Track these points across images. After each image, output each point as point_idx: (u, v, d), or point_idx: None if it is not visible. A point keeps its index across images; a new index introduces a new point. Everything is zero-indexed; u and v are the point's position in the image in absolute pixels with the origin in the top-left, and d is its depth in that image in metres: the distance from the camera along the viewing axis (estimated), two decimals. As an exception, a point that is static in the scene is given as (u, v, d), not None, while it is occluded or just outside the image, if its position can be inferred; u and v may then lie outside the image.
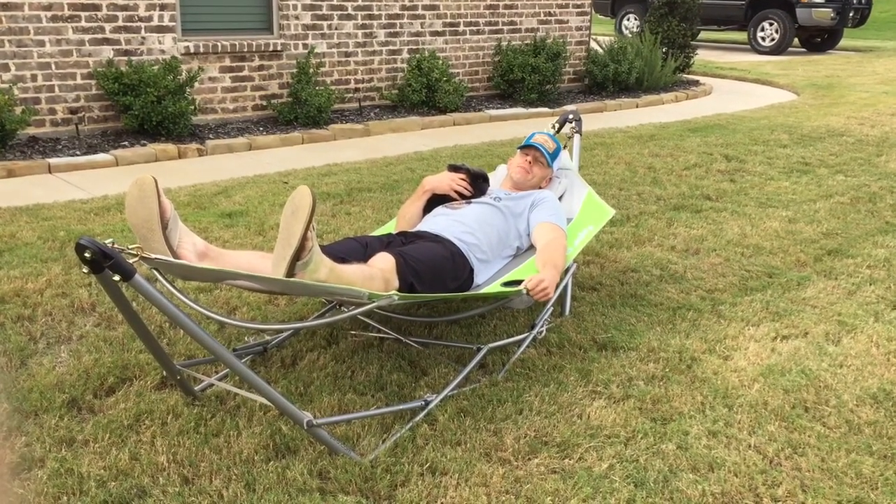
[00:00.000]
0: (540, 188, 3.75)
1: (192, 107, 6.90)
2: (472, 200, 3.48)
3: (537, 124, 8.33)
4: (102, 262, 2.02)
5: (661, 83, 10.92)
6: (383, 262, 2.78)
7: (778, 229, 4.94)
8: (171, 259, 2.38)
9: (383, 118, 8.07)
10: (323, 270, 2.38)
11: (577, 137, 4.13)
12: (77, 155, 6.14)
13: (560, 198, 3.84)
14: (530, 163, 3.65)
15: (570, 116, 4.17)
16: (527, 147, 3.68)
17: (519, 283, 3.08)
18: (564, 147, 4.10)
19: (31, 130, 6.60)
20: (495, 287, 3.10)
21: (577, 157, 4.06)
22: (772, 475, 2.51)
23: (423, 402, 2.79)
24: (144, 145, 6.51)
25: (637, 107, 9.93)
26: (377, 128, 7.69)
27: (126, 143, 6.57)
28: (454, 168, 3.57)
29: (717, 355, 3.32)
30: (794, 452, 2.64)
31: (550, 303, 3.44)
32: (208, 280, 2.39)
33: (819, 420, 2.85)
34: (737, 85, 12.29)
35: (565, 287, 3.68)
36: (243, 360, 3.09)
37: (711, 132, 8.02)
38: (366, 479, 2.40)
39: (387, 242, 3.17)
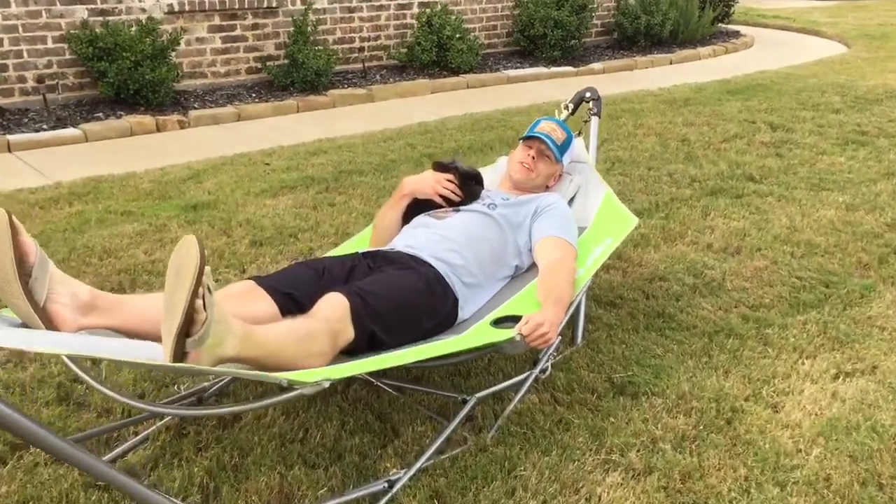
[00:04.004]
0: (547, 188, 3.07)
1: (175, 73, 6.24)
2: (462, 207, 2.82)
3: (559, 86, 7.57)
4: None
5: (698, 35, 10.04)
6: (331, 308, 2.14)
7: (834, 219, 4.21)
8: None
9: (389, 81, 7.35)
10: (231, 343, 1.75)
11: (594, 121, 3.42)
12: (43, 129, 5.53)
13: (571, 200, 3.15)
14: (534, 158, 2.97)
15: (588, 95, 3.46)
16: (530, 138, 3.00)
17: (512, 321, 2.43)
18: (579, 134, 3.40)
19: (0, 101, 6.00)
20: (483, 328, 2.45)
21: (595, 147, 3.35)
22: None
23: (385, 485, 2.18)
24: (120, 117, 5.89)
25: (671, 63, 9.09)
26: (381, 93, 6.99)
27: (101, 114, 5.95)
28: (441, 167, 2.90)
29: (765, 403, 2.66)
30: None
31: (558, 330, 2.79)
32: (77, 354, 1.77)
33: (901, 512, 2.20)
34: (781, 35, 11.34)
35: (577, 306, 3.03)
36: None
37: (754, 94, 7.21)
38: None
39: (349, 267, 2.53)
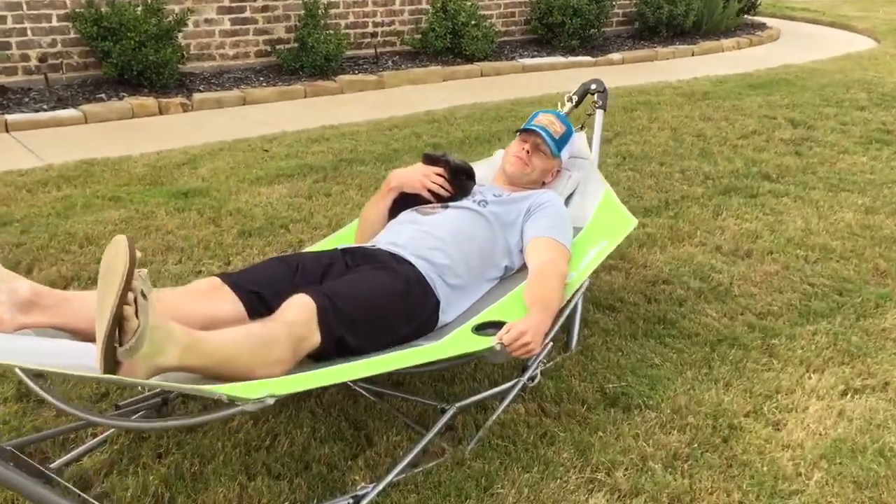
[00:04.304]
0: (543, 184, 2.91)
1: (180, 54, 6.11)
2: (451, 203, 2.66)
3: (576, 76, 7.36)
4: None
5: (722, 27, 9.77)
6: (296, 311, 1.99)
7: (851, 223, 4.01)
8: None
9: (401, 67, 7.19)
10: (172, 352, 1.61)
11: (599, 115, 3.24)
12: (43, 110, 5.43)
13: (569, 197, 2.99)
14: (528, 152, 2.81)
15: (593, 87, 3.29)
16: (526, 131, 2.83)
17: (495, 327, 2.27)
18: (582, 128, 3.23)
19: (2, 80, 5.90)
20: (463, 334, 2.29)
21: (598, 143, 3.18)
22: None
23: (350, 501, 2.05)
24: (122, 98, 5.77)
25: (693, 55, 8.85)
26: (392, 79, 6.83)
27: (103, 95, 5.84)
28: (430, 159, 2.75)
29: (766, 420, 2.49)
30: None
31: (548, 338, 2.64)
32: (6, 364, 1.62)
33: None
34: (809, 28, 11.04)
35: (574, 309, 2.87)
36: (136, 417, 2.37)
37: (776, 89, 6.97)
38: None
39: (326, 264, 2.39)
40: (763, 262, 3.57)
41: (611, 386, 2.64)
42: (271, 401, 1.56)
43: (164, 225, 3.59)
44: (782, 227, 3.94)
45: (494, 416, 2.44)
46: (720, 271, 3.47)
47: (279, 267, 2.34)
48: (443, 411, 2.35)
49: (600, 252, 2.66)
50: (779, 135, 5.50)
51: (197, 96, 5.92)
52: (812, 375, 2.73)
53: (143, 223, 3.59)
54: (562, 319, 2.73)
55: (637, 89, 6.77)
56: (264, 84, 6.44)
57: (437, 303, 2.38)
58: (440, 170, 2.70)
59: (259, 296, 2.19)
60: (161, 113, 5.68)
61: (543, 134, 2.79)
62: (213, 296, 2.14)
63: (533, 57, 7.96)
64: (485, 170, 3.06)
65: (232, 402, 1.53)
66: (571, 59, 7.99)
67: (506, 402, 2.49)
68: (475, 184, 2.73)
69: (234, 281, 2.20)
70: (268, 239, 3.53)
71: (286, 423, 2.39)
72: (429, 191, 2.69)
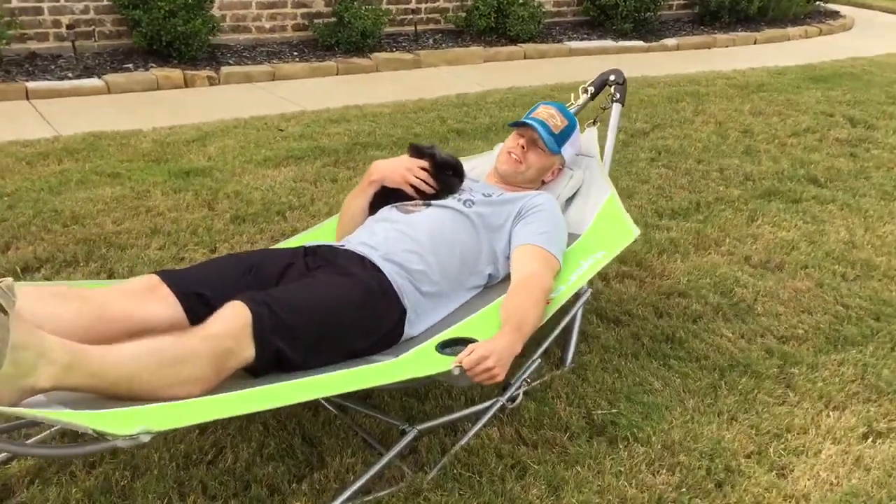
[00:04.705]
0: (543, 183, 2.65)
1: (211, 25, 5.95)
2: (434, 202, 2.42)
3: (625, 62, 7.01)
4: None
5: (791, 14, 9.24)
6: (225, 322, 1.79)
7: (902, 237, 3.65)
8: None
9: (441, 47, 6.93)
10: (46, 372, 1.43)
11: (615, 109, 2.95)
12: (68, 78, 5.34)
13: (570, 200, 2.72)
14: (523, 148, 2.55)
15: (612, 78, 2.99)
16: (521, 125, 2.57)
17: (464, 345, 2.04)
18: (594, 123, 2.95)
19: (34, 45, 5.83)
20: (425, 353, 2.06)
21: (613, 141, 2.89)
22: None
23: (281, 533, 1.85)
24: (149, 69, 5.64)
25: (755, 43, 8.38)
26: (430, 58, 6.58)
27: (131, 65, 5.73)
28: (417, 151, 2.51)
29: (769, 464, 2.21)
30: None
31: (541, 350, 2.40)
32: None
33: None
34: (887, 18, 10.41)
35: (571, 321, 2.61)
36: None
37: (838, 83, 6.51)
38: None
39: (284, 265, 2.18)
40: (795, 277, 3.25)
41: (600, 412, 2.38)
42: (146, 438, 1.35)
43: (157, 206, 3.43)
44: (823, 238, 3.60)
45: (462, 442, 2.22)
46: (744, 285, 3.16)
47: (230, 265, 2.14)
48: (403, 432, 2.13)
49: (594, 264, 2.39)
50: (834, 134, 5.10)
51: (225, 70, 5.76)
52: (831, 413, 2.43)
53: (135, 203, 3.44)
54: (556, 332, 2.48)
55: (687, 78, 6.40)
56: (297, 59, 6.26)
57: (404, 313, 2.15)
58: (425, 163, 2.46)
59: (202, 298, 1.99)
60: (186, 86, 5.54)
61: (540, 129, 2.52)
62: (147, 297, 1.95)
63: (582, 40, 7.61)
64: (482, 164, 2.81)
65: (96, 435, 1.33)
66: (623, 43, 7.62)
67: (478, 426, 2.26)
68: (462, 181, 2.48)
69: (174, 280, 2.00)
70: (260, 226, 3.34)
71: (234, 435, 2.20)
72: (411, 186, 2.45)
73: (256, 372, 1.86)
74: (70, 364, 1.47)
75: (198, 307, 1.96)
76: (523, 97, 5.58)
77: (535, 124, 2.52)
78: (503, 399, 2.32)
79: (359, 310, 2.04)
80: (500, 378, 1.96)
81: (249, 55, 6.25)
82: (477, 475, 2.11)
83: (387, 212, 2.43)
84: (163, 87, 5.45)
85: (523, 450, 2.22)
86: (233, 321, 1.80)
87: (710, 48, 8.01)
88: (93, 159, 3.91)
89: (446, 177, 2.47)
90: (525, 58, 7.03)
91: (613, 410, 2.40)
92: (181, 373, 1.64)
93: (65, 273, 2.86)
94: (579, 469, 2.14)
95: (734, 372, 2.61)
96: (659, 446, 2.25)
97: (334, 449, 2.18)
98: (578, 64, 6.91)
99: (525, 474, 2.12)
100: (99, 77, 5.39)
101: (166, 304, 1.96)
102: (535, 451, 2.22)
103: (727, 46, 8.13)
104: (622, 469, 2.16)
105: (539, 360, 2.42)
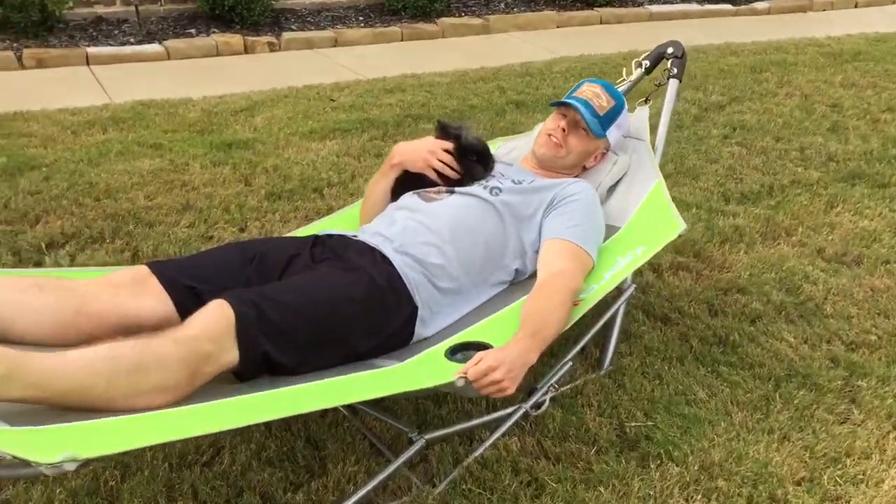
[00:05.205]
0: (584, 168, 2.41)
1: (273, -12, 5.84)
2: (457, 189, 2.22)
3: (710, 27, 6.59)
4: None
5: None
6: (204, 322, 1.64)
7: None
8: None
9: (512, 11, 6.64)
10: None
11: (672, 86, 2.67)
12: (130, 44, 5.31)
13: (613, 188, 2.47)
14: (564, 130, 2.31)
15: (669, 51, 2.71)
16: (563, 105, 2.33)
17: (476, 350, 1.86)
18: (647, 101, 2.68)
19: (100, 10, 5.83)
20: (432, 358, 1.88)
21: (667, 122, 2.60)
22: None
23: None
24: (210, 35, 5.57)
25: (856, 6, 7.79)
26: (499, 24, 6.31)
27: (193, 30, 5.67)
28: (444, 131, 2.31)
29: (822, 494, 1.96)
30: None
31: (575, 351, 2.19)
32: None
33: None
34: None
35: (612, 319, 2.39)
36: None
37: (947, 52, 5.96)
38: None
39: (290, 256, 2.02)
40: (873, 274, 2.93)
41: (633, 424, 2.17)
42: (72, 466, 1.22)
43: (193, 180, 3.33)
44: (910, 230, 3.25)
45: (477, 453, 2.04)
46: (814, 281, 2.86)
47: (231, 255, 2.00)
48: (411, 441, 1.97)
49: (633, 261, 2.15)
50: (935, 109, 4.64)
51: (286, 36, 5.64)
52: (899, 437, 2.16)
53: (171, 176, 3.35)
54: (594, 330, 2.27)
55: (774, 46, 5.95)
56: (362, 24, 6.09)
57: (415, 311, 1.97)
58: (449, 146, 2.25)
59: (193, 291, 1.86)
60: (246, 52, 5.45)
61: (583, 109, 2.28)
62: (134, 289, 1.82)
63: (664, 3, 7.19)
64: (521, 146, 2.59)
65: (15, 460, 1.20)
66: (709, 6, 7.17)
67: (496, 435, 2.08)
68: (487, 168, 2.27)
69: (168, 271, 1.87)
70: (296, 203, 3.21)
71: (234, 436, 2.07)
72: (434, 170, 2.26)
73: (242, 376, 1.72)
74: (8, 374, 1.35)
75: (188, 301, 1.83)
76: (593, 66, 5.28)
77: (578, 104, 2.28)
78: (527, 406, 2.12)
79: (361, 307, 1.87)
80: (510, 392, 1.77)
81: (313, 20, 6.12)
82: (488, 492, 1.93)
83: (408, 199, 2.24)
84: (222, 54, 5.37)
85: (543, 464, 2.02)
86: (214, 322, 1.65)
87: (805, 12, 7.47)
88: (137, 129, 3.84)
89: (470, 162, 2.26)
90: (601, 23, 6.69)
91: (649, 423, 2.17)
92: (144, 381, 1.50)
93: (89, 250, 2.79)
94: (602, 490, 1.94)
95: (791, 383, 2.35)
96: (696, 467, 2.02)
97: (338, 455, 2.04)
98: (657, 29, 6.52)
99: (542, 494, 1.93)
100: (160, 43, 5.34)
101: (155, 298, 1.83)
102: (556, 466, 2.02)
103: (825, 10, 7.58)
104: (651, 493, 1.94)
105: (570, 362, 2.21)
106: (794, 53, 5.74)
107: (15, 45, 5.05)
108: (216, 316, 1.66)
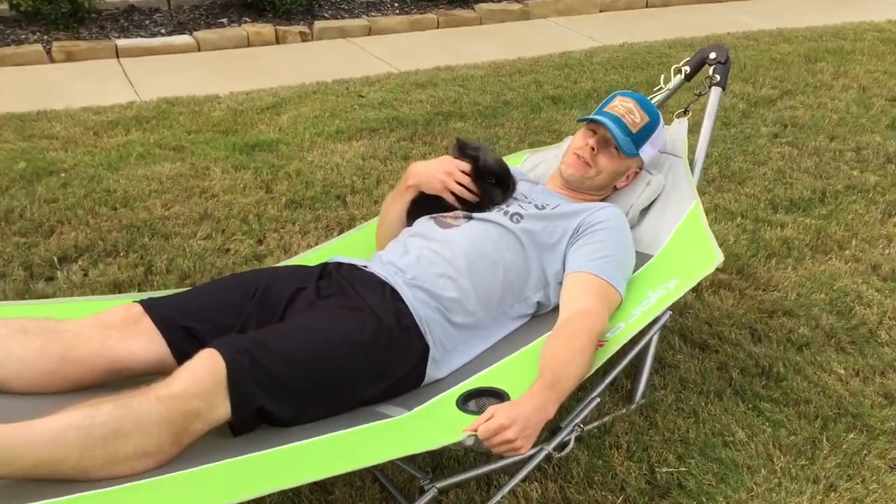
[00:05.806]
0: (615, 189, 2.23)
1: (307, -24, 5.69)
2: (476, 214, 2.06)
3: (756, 10, 6.28)
4: None
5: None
6: (193, 377, 1.52)
7: None
8: None
9: (555, -5, 6.40)
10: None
11: (714, 94, 2.46)
12: (161, 34, 5.22)
13: (646, 210, 2.28)
14: (594, 149, 2.14)
15: (712, 56, 2.50)
16: (593, 121, 2.16)
17: (490, 398, 1.72)
18: (685, 113, 2.48)
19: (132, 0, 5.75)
20: (441, 408, 1.74)
21: (709, 135, 2.40)
22: None
23: None
24: (241, 24, 5.45)
25: (920, -15, 7.35)
26: (539, 9, 6.08)
27: (225, 19, 5.55)
28: (461, 151, 2.15)
29: (871, 557, 1.78)
30: None
31: (603, 385, 2.03)
32: None
33: None
34: None
35: (645, 349, 2.22)
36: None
37: None
38: None
39: (295, 290, 1.89)
40: (935, 295, 2.71)
41: (665, 470, 2.01)
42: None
43: (212, 187, 3.22)
44: (976, 243, 3.01)
45: (493, 501, 1.90)
46: (868, 303, 2.66)
47: (230, 290, 1.87)
48: (422, 491, 1.83)
49: (665, 296, 1.97)
50: None
51: (318, 25, 5.49)
52: (959, 489, 1.96)
53: (191, 183, 3.24)
54: (626, 361, 2.10)
55: (831, 31, 5.64)
56: (397, 12, 5.92)
57: (426, 351, 1.83)
58: (467, 167, 2.10)
59: (189, 331, 1.74)
60: (278, 42, 5.32)
61: (614, 128, 2.10)
62: (126, 330, 1.71)
63: (714, -15, 6.87)
64: (548, 161, 2.43)
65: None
66: (762, -12, 6.83)
67: (514, 481, 1.92)
68: (506, 192, 2.10)
69: (162, 311, 1.76)
70: (317, 213, 3.08)
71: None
72: (452, 193, 2.10)
73: (235, 429, 1.60)
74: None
75: (184, 343, 1.72)
76: (636, 55, 5.04)
77: (609, 122, 2.10)
78: (550, 447, 1.96)
79: (365, 353, 1.73)
80: (524, 452, 1.62)
81: (347, 7, 5.96)
82: (504, 547, 1.80)
83: (423, 225, 2.09)
84: (253, 44, 5.25)
85: (563, 516, 1.88)
86: (204, 375, 1.53)
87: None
88: (160, 129, 3.74)
89: (488, 185, 2.10)
90: (647, 6, 6.41)
91: (682, 469, 2.01)
92: (122, 448, 1.38)
93: (102, 265, 2.69)
94: (628, 548, 1.79)
95: (841, 423, 2.16)
96: (731, 523, 1.86)
97: (347, 500, 1.92)
98: (707, 13, 6.24)
99: (561, 551, 1.79)
100: (190, 34, 5.24)
101: (148, 340, 1.72)
102: (577, 519, 1.88)
103: (885, -10, 7.17)
104: (681, 552, 1.79)
105: (598, 398, 2.05)
106: (852, 39, 5.43)
107: (45, 37, 4.99)
108: (206, 368, 1.54)
